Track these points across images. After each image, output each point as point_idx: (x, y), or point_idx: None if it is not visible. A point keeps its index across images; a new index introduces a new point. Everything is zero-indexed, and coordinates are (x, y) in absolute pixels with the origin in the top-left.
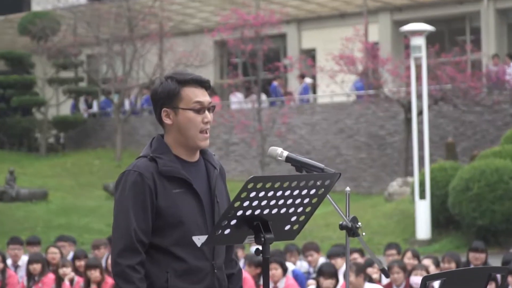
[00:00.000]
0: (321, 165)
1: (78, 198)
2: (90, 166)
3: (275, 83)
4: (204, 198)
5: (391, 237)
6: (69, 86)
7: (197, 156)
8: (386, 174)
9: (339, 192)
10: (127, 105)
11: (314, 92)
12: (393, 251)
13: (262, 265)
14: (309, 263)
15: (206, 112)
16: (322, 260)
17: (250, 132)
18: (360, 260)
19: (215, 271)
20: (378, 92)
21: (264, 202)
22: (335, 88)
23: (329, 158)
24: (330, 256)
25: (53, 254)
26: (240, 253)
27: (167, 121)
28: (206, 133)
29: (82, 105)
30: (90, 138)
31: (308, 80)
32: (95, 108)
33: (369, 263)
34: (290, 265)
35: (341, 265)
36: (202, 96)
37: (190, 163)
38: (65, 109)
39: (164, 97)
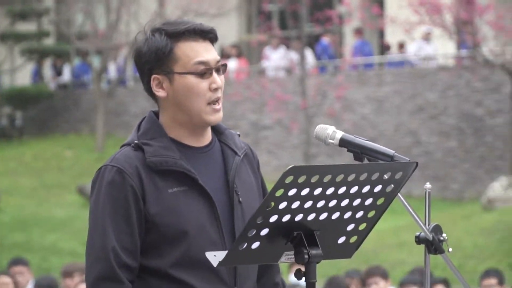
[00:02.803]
0: (391, 151)
1: (41, 206)
2: (59, 160)
3: (326, 39)
4: (218, 197)
5: (491, 262)
6: (29, 44)
7: (207, 138)
8: (484, 172)
9: (416, 197)
10: (112, 71)
11: (382, 53)
12: (493, 281)
13: None
14: None
15: (214, 74)
16: None
17: (289, 111)
18: None
19: None
20: (474, 53)
21: (308, 204)
22: (412, 48)
23: (403, 148)
24: (403, 285)
25: (4, 285)
26: None
27: (160, 93)
28: (217, 103)
29: (48, 72)
30: (59, 119)
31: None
32: (66, 76)
33: None
34: None
35: None
36: (205, 52)
37: (196, 149)
38: (24, 78)
39: (152, 59)
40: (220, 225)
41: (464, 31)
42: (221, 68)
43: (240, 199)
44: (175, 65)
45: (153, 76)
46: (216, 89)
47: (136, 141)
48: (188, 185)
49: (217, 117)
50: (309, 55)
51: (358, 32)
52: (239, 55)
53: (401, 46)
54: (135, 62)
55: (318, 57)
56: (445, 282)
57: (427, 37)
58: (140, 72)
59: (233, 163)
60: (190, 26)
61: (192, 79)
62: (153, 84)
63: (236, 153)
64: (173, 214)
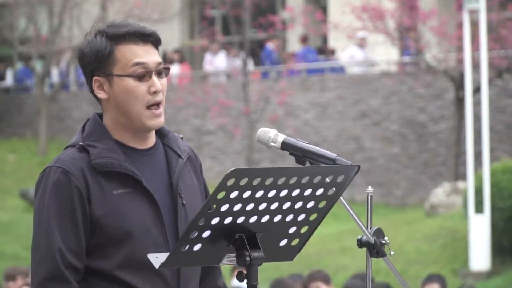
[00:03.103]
0: (333, 155)
1: None
2: (1, 164)
3: (271, 44)
4: (162, 199)
5: (434, 267)
6: None
7: (151, 140)
8: (427, 178)
9: (359, 202)
10: (55, 76)
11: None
12: (436, 286)
13: None
14: None
15: (154, 77)
16: None
17: (232, 116)
18: None
19: None
20: (417, 59)
21: (250, 206)
22: (354, 53)
23: (346, 154)
24: None
25: None
26: None
27: (101, 94)
28: (158, 107)
29: None
30: (2, 123)
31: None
32: (9, 80)
33: None
34: None
35: None
36: (145, 55)
37: (140, 151)
38: None
39: (93, 60)
40: (164, 228)
41: (407, 37)
42: (163, 72)
43: (184, 201)
44: (114, 68)
45: (95, 77)
46: (155, 92)
47: (80, 143)
48: (133, 187)
49: (157, 122)
50: (249, 61)
51: (303, 39)
52: (181, 61)
53: (332, 52)
54: (79, 63)
55: (262, 62)
56: (387, 287)
57: (362, 43)
58: (84, 73)
59: (176, 166)
60: (131, 29)
61: (130, 82)
62: (95, 86)
63: (179, 156)
64: (117, 216)
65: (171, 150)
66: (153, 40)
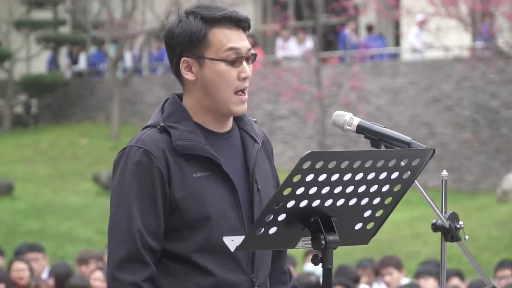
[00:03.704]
0: (408, 138)
1: (57, 194)
2: (74, 148)
3: (348, 30)
4: (239, 183)
5: (505, 253)
6: (45, 32)
7: (229, 124)
8: (499, 164)
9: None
10: (128, 60)
11: (397, 44)
12: (508, 271)
13: (322, 278)
14: (387, 285)
15: (244, 63)
16: (405, 281)
17: (305, 101)
18: (462, 286)
19: None
20: (490, 45)
21: (325, 190)
22: (427, 39)
23: (418, 139)
24: (418, 275)
25: (20, 271)
26: None
27: (188, 76)
28: (243, 93)
29: (63, 60)
30: (75, 107)
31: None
32: (82, 64)
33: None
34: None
35: None
36: (238, 40)
37: (219, 134)
38: (39, 65)
39: (185, 41)
40: (241, 212)
41: (484, 23)
42: (251, 58)
43: (259, 186)
44: (206, 51)
45: (183, 58)
46: (245, 78)
47: (162, 124)
48: (212, 170)
49: (242, 108)
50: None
51: (370, 28)
52: (254, 45)
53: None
54: (165, 43)
55: (335, 47)
56: (459, 274)
57: (422, 25)
58: (170, 53)
59: (252, 150)
60: (227, 13)
61: (222, 66)
62: (182, 66)
63: (255, 140)
64: (196, 199)
65: (246, 134)
66: (245, 25)
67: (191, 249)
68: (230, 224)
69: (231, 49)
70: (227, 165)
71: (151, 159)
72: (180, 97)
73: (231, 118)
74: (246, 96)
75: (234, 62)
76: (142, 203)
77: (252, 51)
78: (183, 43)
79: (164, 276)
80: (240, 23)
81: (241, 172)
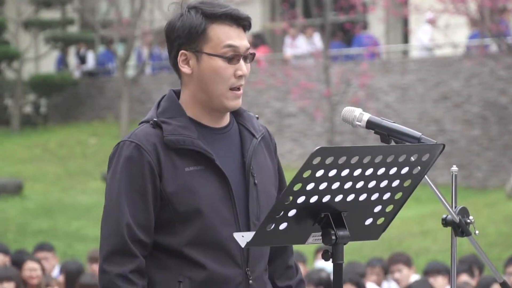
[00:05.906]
0: (417, 133)
1: (66, 193)
2: (83, 147)
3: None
4: (234, 178)
5: None
6: (53, 32)
7: (225, 120)
8: (508, 160)
9: (441, 184)
10: (136, 59)
11: (406, 41)
12: None
13: (333, 273)
14: (397, 281)
15: (241, 61)
16: (415, 278)
17: (313, 99)
18: (472, 282)
19: (250, 282)
20: (499, 41)
21: (336, 185)
22: (436, 36)
23: (427, 136)
24: (427, 273)
25: (32, 271)
26: None
27: (185, 69)
28: (239, 89)
29: (72, 60)
30: (84, 106)
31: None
32: (90, 63)
33: (485, 283)
34: (371, 287)
35: (443, 287)
36: (237, 38)
37: (214, 129)
38: (48, 65)
39: (184, 35)
40: (235, 206)
41: (501, 19)
42: (249, 57)
43: (256, 181)
44: (205, 45)
45: (181, 51)
46: (240, 76)
47: (155, 119)
48: (205, 164)
49: (236, 103)
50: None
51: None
52: (262, 43)
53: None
54: (166, 35)
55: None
56: (470, 270)
57: (432, 23)
58: (169, 45)
59: (250, 145)
60: (228, 10)
61: (219, 62)
62: (180, 59)
63: (254, 136)
64: (188, 193)
65: (245, 130)
66: (246, 24)
67: (183, 243)
68: (223, 218)
69: (229, 46)
70: (220, 159)
71: (142, 153)
72: (178, 93)
73: (228, 114)
74: (241, 91)
75: (231, 59)
76: (131, 197)
77: (251, 51)
78: (182, 36)
79: (156, 269)
80: (241, 22)
81: (237, 167)
